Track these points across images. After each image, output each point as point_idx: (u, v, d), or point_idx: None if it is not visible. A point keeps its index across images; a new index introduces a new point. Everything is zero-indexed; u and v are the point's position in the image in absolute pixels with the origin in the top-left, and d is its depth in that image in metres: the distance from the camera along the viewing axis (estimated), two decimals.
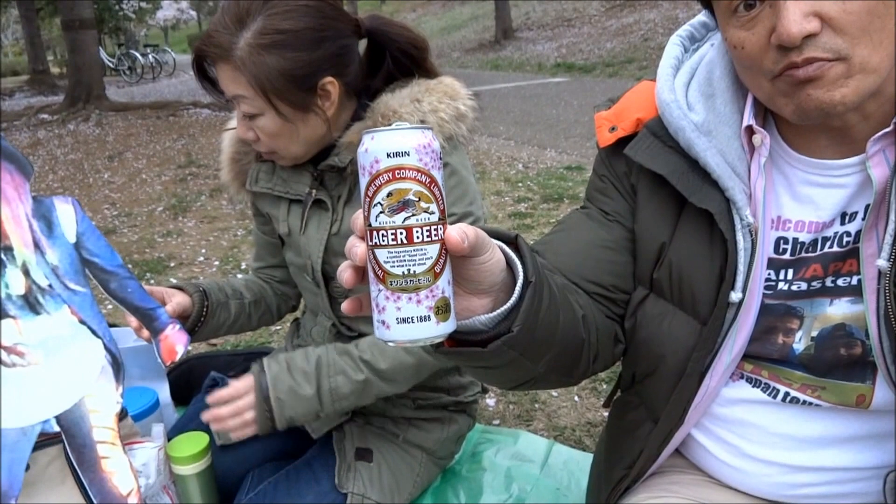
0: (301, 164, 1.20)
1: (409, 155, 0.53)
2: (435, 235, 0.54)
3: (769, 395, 0.86)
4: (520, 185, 5.09)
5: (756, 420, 0.87)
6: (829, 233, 0.79)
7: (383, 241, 0.54)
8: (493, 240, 0.62)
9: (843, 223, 0.79)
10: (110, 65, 19.82)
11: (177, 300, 1.20)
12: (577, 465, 1.56)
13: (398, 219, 0.53)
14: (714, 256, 0.82)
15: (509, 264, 0.66)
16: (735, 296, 0.80)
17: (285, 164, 1.20)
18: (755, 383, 0.87)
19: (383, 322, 0.56)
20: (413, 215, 0.53)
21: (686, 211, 0.84)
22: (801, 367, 0.83)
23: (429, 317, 0.55)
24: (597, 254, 0.90)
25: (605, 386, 2.20)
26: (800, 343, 0.82)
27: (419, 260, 0.54)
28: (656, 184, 0.85)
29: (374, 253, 0.55)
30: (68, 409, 1.07)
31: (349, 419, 1.32)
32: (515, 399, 2.17)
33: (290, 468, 1.27)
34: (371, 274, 0.56)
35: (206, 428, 1.28)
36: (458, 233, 0.55)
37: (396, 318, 0.55)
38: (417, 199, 0.53)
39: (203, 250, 4.04)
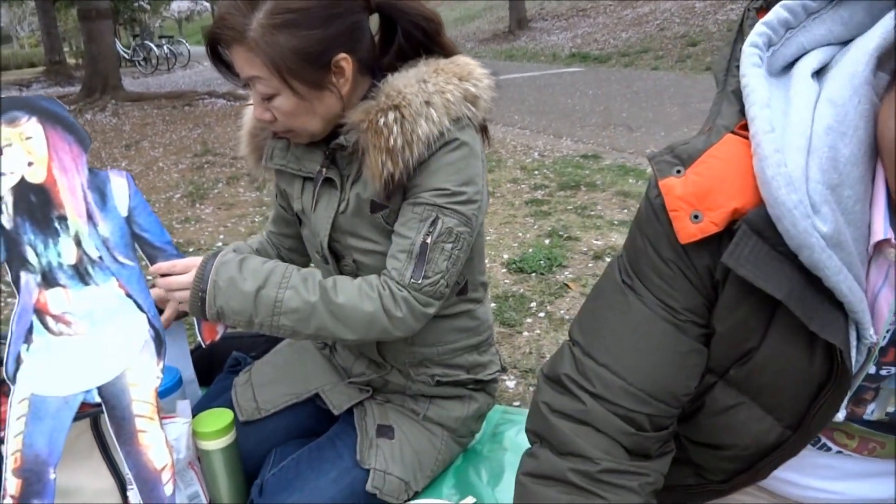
0: (315, 142, 1.20)
1: None
2: None
3: (818, 448, 0.81)
4: (536, 172, 5.07)
5: (798, 462, 0.81)
6: None
7: None
8: None
9: None
10: (126, 56, 19.91)
11: (166, 315, 1.24)
12: None
13: None
14: (814, 375, 0.69)
15: None
16: (841, 415, 0.71)
17: (302, 141, 1.20)
18: None
19: None
20: None
21: (781, 312, 0.68)
22: (867, 424, 0.76)
23: None
24: (673, 367, 0.75)
25: None
26: (872, 415, 0.74)
27: None
28: (749, 285, 0.66)
29: None
30: (110, 380, 1.07)
31: (369, 396, 1.33)
32: (535, 381, 2.17)
33: (312, 445, 1.27)
34: None
35: (229, 406, 1.29)
36: None
37: None
38: None
39: (221, 236, 4.06)
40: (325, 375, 1.38)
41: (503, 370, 1.45)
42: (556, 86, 9.82)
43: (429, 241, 1.11)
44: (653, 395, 0.74)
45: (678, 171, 0.68)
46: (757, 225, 0.63)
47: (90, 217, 1.10)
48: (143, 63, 19.74)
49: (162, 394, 1.37)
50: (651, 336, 0.74)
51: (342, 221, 1.20)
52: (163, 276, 1.17)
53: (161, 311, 1.22)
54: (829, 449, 0.81)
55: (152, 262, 1.17)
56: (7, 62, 25.10)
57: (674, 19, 13.74)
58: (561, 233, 3.63)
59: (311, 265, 1.39)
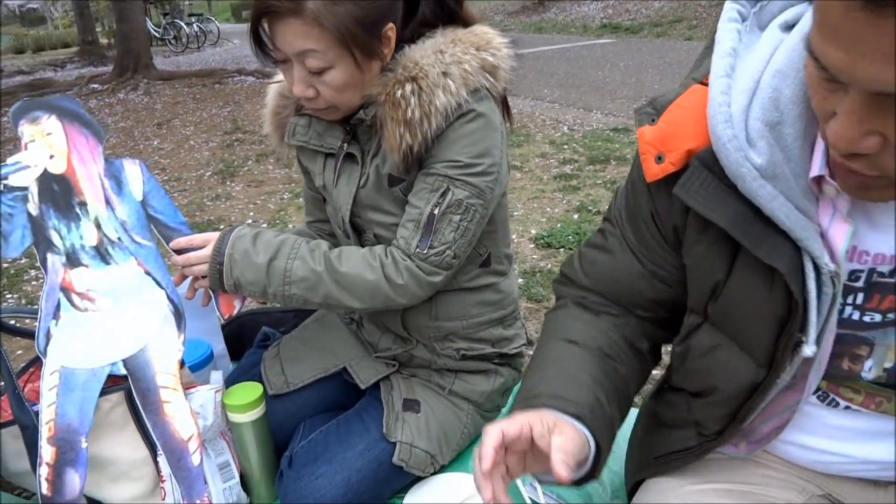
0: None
1: None
2: None
3: (827, 403, 0.81)
4: (565, 147, 5.02)
5: (811, 411, 0.83)
6: None
7: None
8: (574, 425, 0.76)
9: None
10: (156, 35, 20.06)
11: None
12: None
13: None
14: (774, 307, 0.73)
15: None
16: (809, 350, 0.72)
17: (335, 117, 1.20)
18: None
19: None
20: None
21: (744, 251, 0.74)
22: (872, 382, 0.77)
23: None
24: (637, 285, 0.89)
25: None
26: (869, 372, 0.76)
27: None
28: (709, 220, 0.73)
29: None
30: (134, 353, 1.14)
31: (395, 370, 1.34)
32: None
33: (340, 418, 1.30)
34: None
35: (258, 380, 1.32)
36: (564, 471, 0.67)
37: None
38: None
39: (251, 213, 4.11)
40: (351, 350, 1.40)
41: (529, 344, 1.45)
42: (586, 58, 9.67)
43: (436, 211, 1.11)
44: (621, 305, 0.91)
45: (652, 120, 0.76)
46: (707, 161, 0.70)
47: (108, 202, 1.19)
48: (173, 41, 19.88)
49: (194, 367, 1.41)
50: (617, 261, 0.89)
51: (363, 196, 1.20)
52: (181, 252, 1.21)
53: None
54: (837, 404, 0.81)
55: (167, 241, 1.23)
56: (42, 43, 25.47)
57: None
58: (590, 207, 3.60)
59: None
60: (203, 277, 1.20)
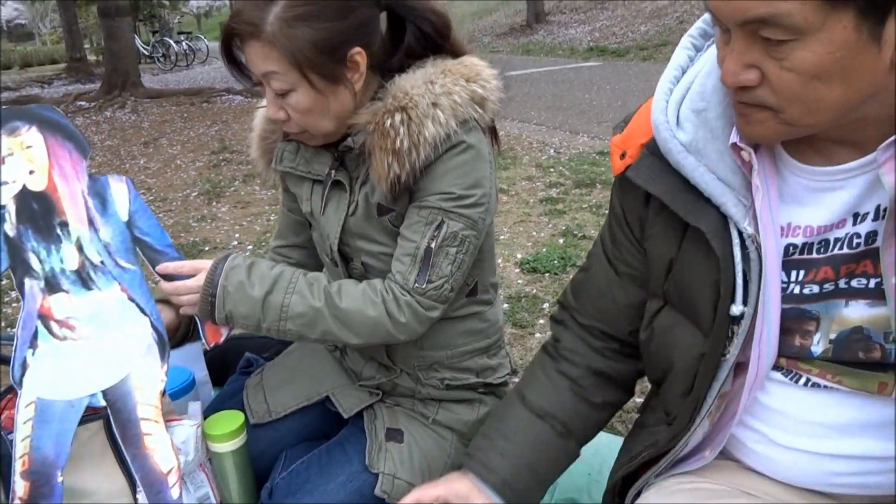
0: (324, 144, 1.21)
1: None
2: None
3: (791, 378, 0.85)
4: (552, 170, 5.05)
5: (782, 407, 0.87)
6: (840, 234, 0.78)
7: None
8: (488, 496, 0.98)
9: (854, 224, 0.77)
10: (145, 52, 20.07)
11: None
12: (608, 450, 1.55)
13: None
14: (710, 272, 0.83)
15: None
16: (736, 309, 0.80)
17: (315, 143, 1.20)
18: (776, 368, 0.86)
19: None
20: None
21: (689, 227, 0.85)
22: (820, 359, 0.83)
23: None
24: (614, 293, 0.99)
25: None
26: (818, 346, 0.82)
27: None
28: (662, 203, 0.86)
29: None
30: (115, 384, 1.09)
31: (379, 399, 1.34)
32: None
33: (322, 448, 1.28)
34: None
35: (240, 408, 1.30)
36: None
37: None
38: None
39: (237, 234, 4.10)
40: (335, 378, 1.39)
41: (513, 373, 1.45)
42: (573, 81, 9.77)
43: (433, 245, 1.11)
44: (607, 332, 1.03)
45: (622, 129, 0.92)
46: (652, 147, 0.85)
47: (91, 222, 1.12)
48: (162, 59, 19.90)
49: (175, 395, 1.39)
50: (600, 284, 1.01)
51: (352, 224, 1.20)
52: (168, 278, 1.17)
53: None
54: (799, 377, 0.85)
55: (154, 265, 1.17)
56: (29, 59, 25.42)
57: (693, 12, 13.58)
58: (575, 232, 3.62)
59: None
60: (191, 306, 1.17)
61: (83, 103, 10.54)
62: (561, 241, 3.54)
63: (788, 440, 0.87)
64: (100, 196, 1.13)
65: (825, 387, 0.83)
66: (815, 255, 0.79)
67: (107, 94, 10.67)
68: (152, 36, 21.77)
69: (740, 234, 0.79)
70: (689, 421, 0.90)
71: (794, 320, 0.82)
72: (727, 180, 0.79)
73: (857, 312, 0.79)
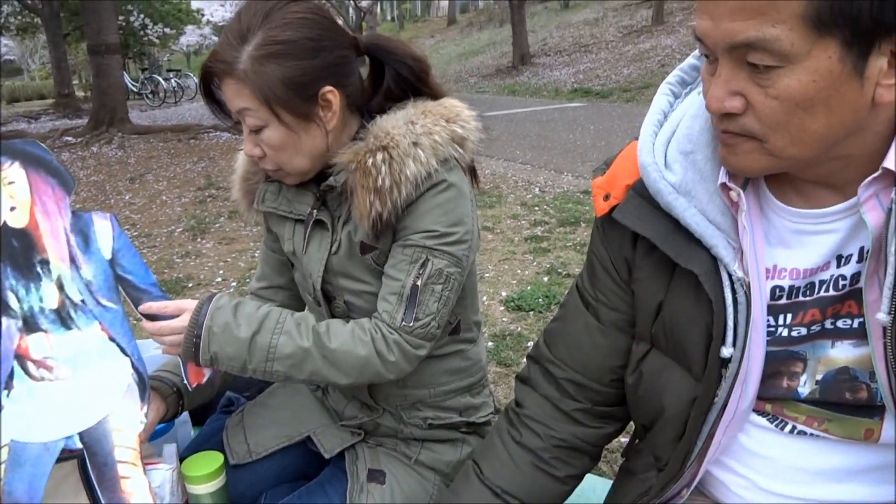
0: (306, 184, 1.22)
1: None
2: None
3: (776, 426, 0.85)
4: (536, 208, 5.10)
5: (767, 452, 0.86)
6: (825, 276, 0.78)
7: None
8: None
9: (838, 266, 0.78)
10: (134, 89, 20.19)
11: (150, 418, 1.17)
12: (593, 492, 1.54)
13: None
14: (701, 315, 0.82)
15: None
16: (726, 351, 0.80)
17: (291, 181, 1.21)
18: (761, 414, 0.86)
19: None
20: None
21: (678, 269, 0.84)
22: (806, 403, 0.83)
23: None
24: (595, 339, 0.97)
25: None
26: (804, 387, 0.82)
27: None
28: (650, 245, 0.85)
29: None
30: (92, 426, 1.06)
31: (361, 439, 1.32)
32: None
33: (303, 490, 1.26)
34: None
35: (220, 448, 1.28)
36: None
37: None
38: None
39: (221, 271, 4.08)
40: (317, 418, 1.38)
41: (497, 412, 1.44)
42: (558, 121, 9.92)
43: (419, 283, 1.12)
44: (583, 382, 0.98)
45: (603, 172, 0.92)
46: (639, 189, 0.85)
47: (73, 260, 1.09)
48: (150, 96, 20.01)
49: (153, 435, 1.36)
50: (579, 333, 0.98)
51: (335, 263, 1.21)
52: (152, 318, 1.16)
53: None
54: (784, 424, 0.84)
55: (136, 304, 1.15)
56: (17, 94, 25.46)
57: (675, 55, 13.91)
58: (559, 270, 3.64)
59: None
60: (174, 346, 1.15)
61: (70, 139, 10.54)
62: (545, 279, 3.55)
63: (774, 486, 0.86)
64: (82, 233, 1.11)
65: (811, 434, 0.83)
66: (801, 299, 0.80)
67: (94, 130, 10.68)
68: (141, 73, 21.95)
69: (730, 276, 0.79)
70: (680, 467, 0.89)
71: (783, 362, 0.82)
72: (717, 222, 0.79)
73: (843, 353, 0.79)
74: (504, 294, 3.37)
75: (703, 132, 0.81)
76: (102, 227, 1.13)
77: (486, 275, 3.68)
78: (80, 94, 20.14)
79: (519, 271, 3.73)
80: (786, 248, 0.80)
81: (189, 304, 1.14)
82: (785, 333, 0.81)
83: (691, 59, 0.88)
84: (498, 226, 4.66)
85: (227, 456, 1.28)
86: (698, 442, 0.87)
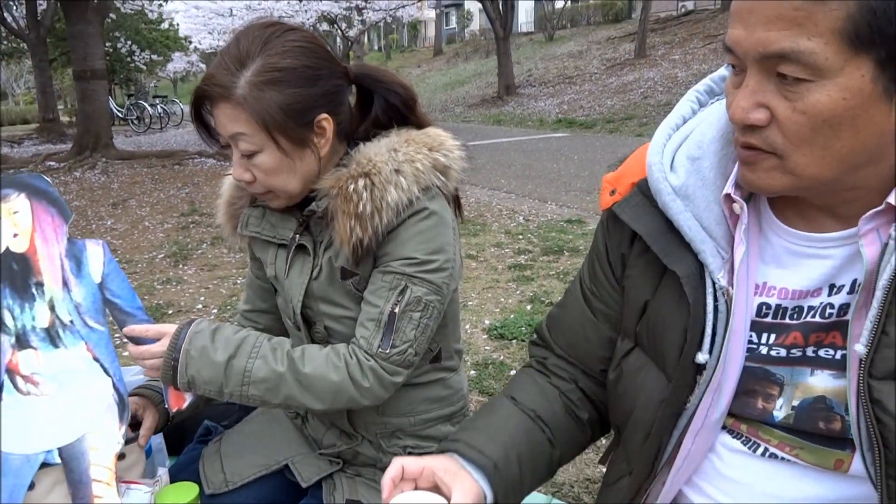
0: (289, 209, 1.22)
1: None
2: None
3: (749, 448, 0.85)
4: (520, 237, 5.12)
5: (741, 477, 0.86)
6: (815, 302, 0.78)
7: None
8: (472, 476, 0.87)
9: (829, 294, 0.78)
10: (119, 115, 20.18)
11: (147, 424, 1.23)
12: None
13: None
14: (681, 318, 0.83)
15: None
16: (701, 357, 0.80)
17: (279, 204, 1.21)
18: (735, 435, 0.87)
19: None
20: None
21: (668, 271, 0.85)
22: (780, 429, 0.83)
23: None
24: (587, 331, 0.99)
25: (603, 441, 2.17)
26: (780, 410, 0.82)
27: None
28: (646, 244, 0.87)
29: None
30: (71, 442, 1.09)
31: (339, 468, 1.31)
32: None
33: None
34: None
35: (196, 477, 1.26)
36: None
37: None
38: None
39: (202, 298, 4.04)
40: (295, 446, 1.36)
41: None
42: (542, 150, 10.01)
43: (397, 310, 1.12)
44: (580, 366, 1.01)
45: (615, 168, 0.94)
46: (643, 187, 0.86)
47: (65, 283, 1.15)
48: (136, 122, 20.00)
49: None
50: (574, 316, 1.01)
51: (315, 288, 1.21)
52: (135, 341, 1.17)
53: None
54: (757, 446, 0.84)
55: (122, 326, 1.19)
56: (0, 118, 25.34)
57: (657, 87, 14.16)
58: (542, 298, 3.64)
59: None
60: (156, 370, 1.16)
61: (52, 163, 10.48)
62: (528, 307, 3.55)
63: None
64: (76, 258, 1.18)
65: (783, 458, 0.83)
66: (787, 321, 0.80)
67: (77, 155, 10.64)
68: (127, 99, 21.97)
69: (714, 283, 0.80)
70: (650, 471, 0.89)
71: (758, 381, 0.82)
72: (710, 230, 0.80)
73: (821, 382, 0.79)
74: (487, 322, 3.37)
75: (714, 141, 0.82)
76: (94, 253, 1.20)
77: (470, 303, 3.68)
78: (65, 119, 20.10)
79: (502, 299, 3.73)
80: (779, 267, 0.80)
81: (170, 329, 1.16)
82: (764, 351, 0.82)
83: (722, 71, 0.87)
84: (482, 254, 4.67)
85: (203, 485, 1.26)
86: (668, 448, 0.87)
